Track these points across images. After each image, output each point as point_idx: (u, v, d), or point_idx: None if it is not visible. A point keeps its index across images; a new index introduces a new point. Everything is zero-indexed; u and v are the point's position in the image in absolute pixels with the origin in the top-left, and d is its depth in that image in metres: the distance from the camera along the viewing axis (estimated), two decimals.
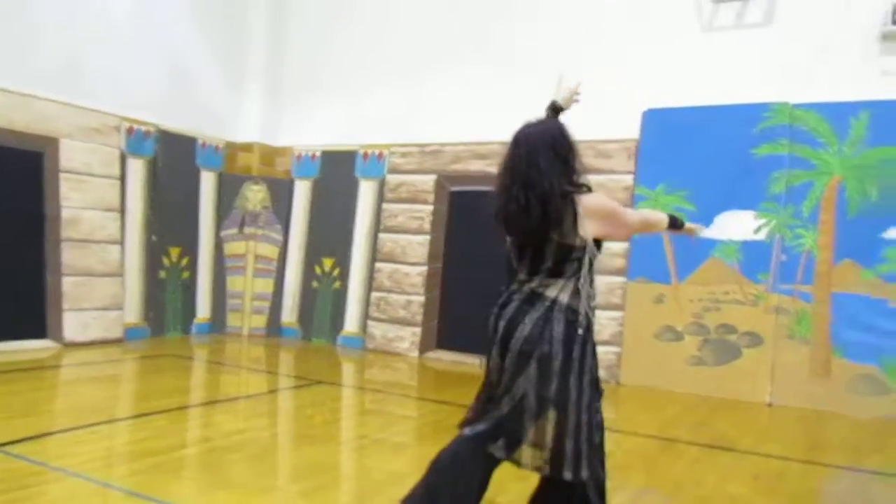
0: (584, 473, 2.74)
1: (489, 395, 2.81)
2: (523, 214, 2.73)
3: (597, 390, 2.87)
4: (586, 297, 2.80)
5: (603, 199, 2.83)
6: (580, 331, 2.75)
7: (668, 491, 3.93)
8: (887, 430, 5.71)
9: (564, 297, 2.76)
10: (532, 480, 3.12)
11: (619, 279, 7.17)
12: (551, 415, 2.69)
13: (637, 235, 6.88)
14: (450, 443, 2.83)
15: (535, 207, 2.70)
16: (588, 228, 2.73)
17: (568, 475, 2.70)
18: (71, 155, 7.34)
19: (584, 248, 2.75)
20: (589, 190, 2.81)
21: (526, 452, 2.73)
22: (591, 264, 2.81)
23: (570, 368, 2.70)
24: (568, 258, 2.76)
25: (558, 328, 2.72)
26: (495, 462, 2.76)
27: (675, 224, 3.13)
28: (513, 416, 2.71)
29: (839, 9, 6.53)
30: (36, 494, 3.34)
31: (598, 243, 2.81)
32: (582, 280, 2.78)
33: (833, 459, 4.92)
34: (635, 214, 3.08)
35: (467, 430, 2.80)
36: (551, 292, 2.77)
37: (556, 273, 2.77)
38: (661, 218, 3.10)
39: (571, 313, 2.75)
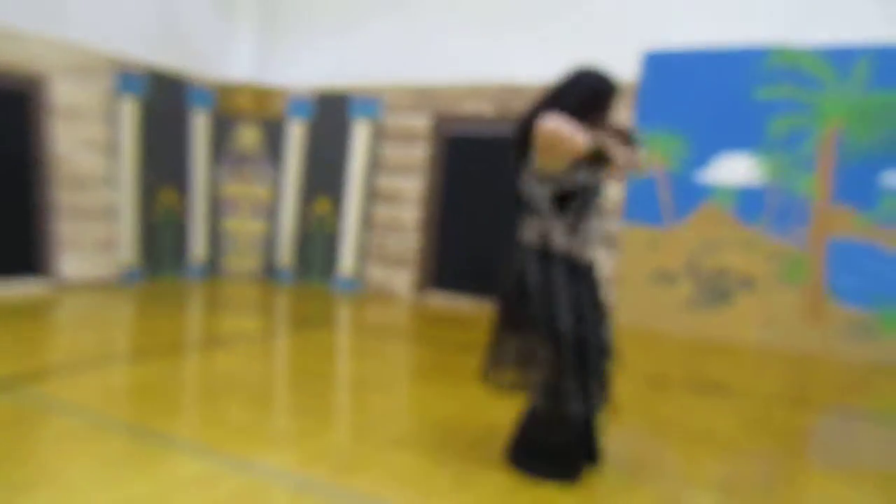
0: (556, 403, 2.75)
1: (509, 341, 2.82)
2: (514, 136, 2.71)
3: (599, 319, 2.87)
4: (583, 236, 2.77)
5: (543, 121, 2.57)
6: (562, 264, 2.72)
7: (658, 430, 4.00)
8: (876, 375, 5.80)
9: (549, 233, 2.72)
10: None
11: (614, 222, 7.16)
12: (545, 346, 2.69)
13: (634, 178, 6.83)
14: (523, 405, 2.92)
15: (521, 130, 2.67)
16: (535, 158, 2.65)
17: (538, 401, 2.75)
18: (61, 94, 7.20)
19: (550, 181, 2.66)
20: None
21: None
22: (576, 199, 2.72)
23: (555, 299, 2.68)
24: (535, 192, 2.71)
25: (541, 262, 2.71)
26: (588, 413, 2.82)
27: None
28: (539, 364, 2.74)
29: None
30: (36, 431, 3.39)
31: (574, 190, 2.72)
32: (568, 217, 2.72)
33: (821, 402, 5.01)
34: (576, 133, 2.54)
35: (531, 401, 2.84)
36: (534, 227, 2.74)
37: (534, 209, 2.74)
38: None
39: (552, 249, 2.72)
